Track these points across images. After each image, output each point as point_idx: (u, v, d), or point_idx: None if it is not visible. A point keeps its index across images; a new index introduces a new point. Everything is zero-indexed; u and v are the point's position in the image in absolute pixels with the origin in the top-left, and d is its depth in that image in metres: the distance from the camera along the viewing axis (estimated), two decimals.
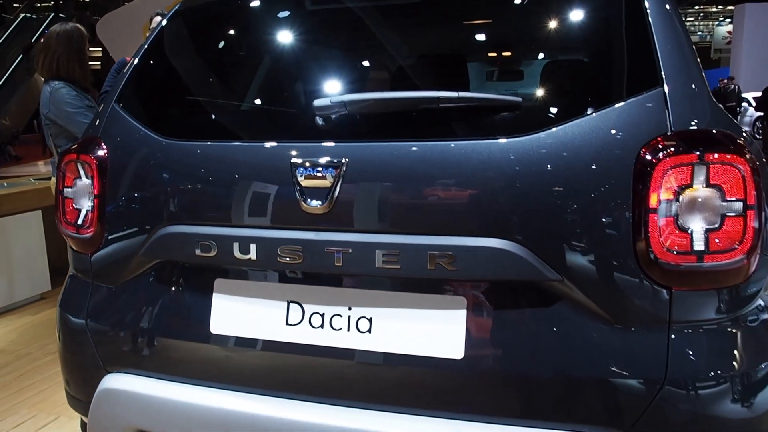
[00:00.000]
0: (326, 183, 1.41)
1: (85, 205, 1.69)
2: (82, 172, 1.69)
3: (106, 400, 1.66)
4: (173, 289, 1.64)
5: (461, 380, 1.40)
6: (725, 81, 18.66)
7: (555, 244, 1.32)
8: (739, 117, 18.09)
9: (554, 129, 1.34)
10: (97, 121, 1.77)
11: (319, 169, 1.41)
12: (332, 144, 1.44)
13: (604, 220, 1.30)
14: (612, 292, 1.32)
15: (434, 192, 1.38)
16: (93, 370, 1.71)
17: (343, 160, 1.40)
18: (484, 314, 1.39)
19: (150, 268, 1.66)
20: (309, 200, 1.42)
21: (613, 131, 1.32)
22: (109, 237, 1.68)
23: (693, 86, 1.38)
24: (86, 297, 1.75)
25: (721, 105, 1.47)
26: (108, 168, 1.67)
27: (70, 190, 1.72)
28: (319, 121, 1.47)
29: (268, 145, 1.51)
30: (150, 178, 1.62)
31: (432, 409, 1.41)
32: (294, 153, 1.45)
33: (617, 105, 1.34)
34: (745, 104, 18.19)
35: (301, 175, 1.42)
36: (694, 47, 1.49)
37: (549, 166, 1.32)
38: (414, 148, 1.39)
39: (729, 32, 27.32)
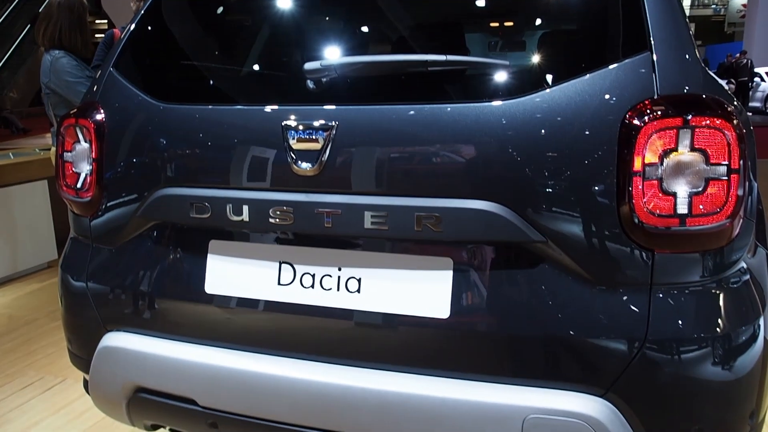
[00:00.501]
0: (316, 146, 1.43)
1: (84, 168, 1.73)
2: (80, 136, 1.72)
3: (106, 358, 1.71)
4: (170, 250, 1.68)
5: (447, 339, 1.43)
6: (736, 56, 18.42)
7: (540, 206, 1.34)
8: (751, 92, 17.88)
9: (541, 93, 1.36)
10: (95, 86, 1.80)
11: (310, 132, 1.44)
12: (322, 107, 1.46)
13: (588, 182, 1.32)
14: (595, 253, 1.34)
15: (421, 154, 1.41)
16: (93, 328, 1.76)
17: (333, 123, 1.43)
18: (470, 275, 1.42)
19: (147, 230, 1.70)
20: (300, 163, 1.45)
21: (600, 95, 1.33)
22: (108, 199, 1.71)
23: (681, 53, 1.39)
24: (86, 258, 1.79)
25: (729, 78, 1.48)
26: (106, 132, 1.70)
27: (69, 154, 1.75)
28: (311, 84, 1.49)
29: (260, 108, 1.54)
30: (146, 142, 1.66)
31: (419, 367, 1.45)
32: (285, 116, 1.48)
33: (604, 69, 1.35)
34: (757, 79, 17.97)
35: (292, 138, 1.45)
36: (686, 15, 1.50)
37: (535, 129, 1.34)
38: (402, 112, 1.42)
39: (744, 5, 26.87)
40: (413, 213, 1.38)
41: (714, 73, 1.71)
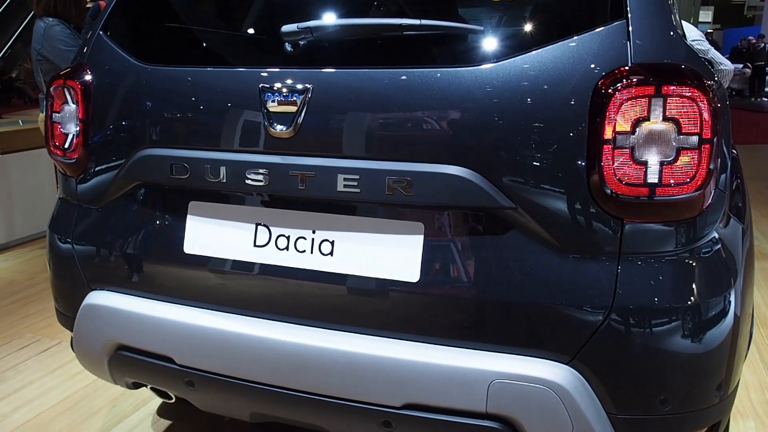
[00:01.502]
0: (292, 108, 1.44)
1: (72, 129, 1.75)
2: (68, 97, 1.74)
3: (89, 316, 1.74)
4: (152, 211, 1.71)
5: (416, 303, 1.45)
6: (750, 39, 18.13)
7: (510, 172, 1.35)
8: None
9: (514, 59, 1.36)
10: (84, 48, 1.81)
11: (285, 94, 1.45)
12: (298, 70, 1.47)
13: (559, 150, 1.33)
14: (564, 221, 1.35)
15: (394, 119, 1.41)
16: (78, 287, 1.79)
17: (308, 86, 1.43)
18: (440, 240, 1.44)
19: (130, 191, 1.72)
20: (275, 125, 1.46)
21: (573, 62, 1.33)
22: (93, 160, 1.74)
23: (659, 21, 1.38)
24: (72, 219, 1.82)
25: (745, 62, 1.46)
26: (92, 93, 1.72)
27: (58, 115, 1.78)
28: (288, 47, 1.50)
29: (239, 70, 1.55)
30: (129, 103, 1.68)
31: (389, 330, 1.47)
32: (262, 78, 1.48)
33: (578, 36, 1.35)
34: None
35: (268, 100, 1.46)
36: None
37: (506, 95, 1.34)
38: (376, 76, 1.42)
39: None
40: (385, 177, 1.40)
41: (727, 57, 1.68)
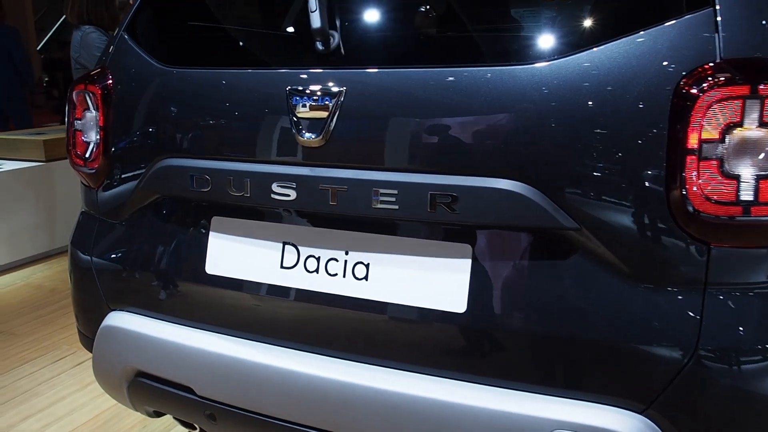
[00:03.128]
0: (322, 114, 1.28)
1: (92, 137, 1.64)
2: (89, 103, 1.63)
3: (108, 338, 1.62)
4: (172, 226, 1.58)
5: (462, 337, 1.27)
6: None
7: (573, 187, 1.16)
8: None
9: (579, 54, 1.16)
10: (107, 51, 1.70)
11: (315, 98, 1.29)
12: (329, 70, 1.31)
13: (633, 161, 1.13)
14: (638, 245, 1.15)
15: (438, 126, 1.24)
16: (97, 306, 1.67)
17: (341, 89, 1.27)
18: (491, 265, 1.25)
19: (150, 204, 1.59)
20: (304, 132, 1.30)
21: (647, 58, 1.13)
22: (113, 170, 1.62)
23: (750, 10, 1.16)
24: (92, 233, 1.71)
25: None
26: (113, 98, 1.60)
27: (79, 122, 1.67)
28: (319, 45, 1.34)
29: (264, 71, 1.40)
30: (150, 108, 1.55)
31: (430, 366, 1.29)
32: (291, 80, 1.33)
33: (656, 28, 1.14)
34: None
35: (297, 105, 1.30)
36: None
37: (571, 97, 1.15)
38: (418, 76, 1.25)
39: None
40: (427, 192, 1.22)
41: None
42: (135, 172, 1.58)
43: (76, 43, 3.42)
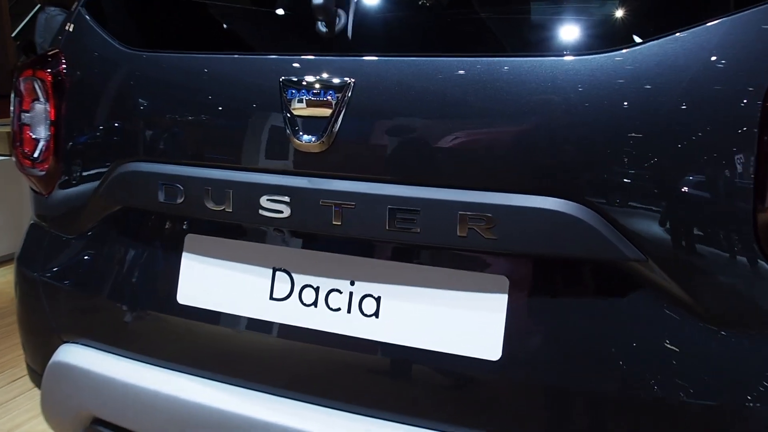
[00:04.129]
0: (325, 111, 1.04)
1: (42, 133, 1.37)
2: (39, 92, 1.36)
3: (59, 376, 1.36)
4: (137, 244, 1.32)
5: (496, 390, 1.03)
6: None
7: (639, 209, 0.93)
8: None
9: (645, 45, 0.93)
10: (64, 28, 1.43)
11: (316, 92, 1.04)
12: (335, 58, 1.06)
13: (711, 177, 0.90)
14: (717, 281, 0.92)
15: (471, 128, 0.99)
16: (47, 337, 1.41)
17: (349, 81, 1.02)
18: (533, 302, 1.01)
19: (112, 216, 1.33)
20: (302, 134, 1.05)
21: (733, 53, 0.90)
22: (66, 174, 1.36)
23: None
24: (42, 249, 1.44)
25: None
26: (67, 87, 1.34)
27: (27, 115, 1.40)
28: (321, 27, 1.08)
29: (253, 57, 1.15)
30: (111, 100, 1.29)
31: (455, 424, 1.04)
32: (284, 69, 1.08)
33: (740, 14, 0.91)
34: None
35: (292, 100, 1.05)
36: None
37: (634, 98, 0.92)
38: (445, 67, 1.00)
39: None
40: (456, 211, 0.98)
41: None
42: (93, 178, 1.32)
43: (41, 26, 3.15)
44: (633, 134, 0.92)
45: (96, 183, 1.30)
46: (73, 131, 1.33)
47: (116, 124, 1.28)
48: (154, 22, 1.40)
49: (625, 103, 0.92)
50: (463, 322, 1.03)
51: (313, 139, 1.04)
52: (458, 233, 0.98)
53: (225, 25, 1.39)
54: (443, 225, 0.98)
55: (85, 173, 1.33)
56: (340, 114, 1.03)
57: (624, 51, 0.93)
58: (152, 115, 1.23)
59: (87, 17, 1.38)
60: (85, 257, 1.37)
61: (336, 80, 1.03)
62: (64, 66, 1.35)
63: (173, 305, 1.23)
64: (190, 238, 1.24)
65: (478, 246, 0.99)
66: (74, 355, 1.34)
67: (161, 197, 1.19)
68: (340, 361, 1.11)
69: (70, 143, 1.33)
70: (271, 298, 1.16)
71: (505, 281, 1.02)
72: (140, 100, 1.25)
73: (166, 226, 1.28)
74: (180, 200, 1.17)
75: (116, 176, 1.25)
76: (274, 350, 1.17)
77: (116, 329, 1.32)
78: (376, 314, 1.08)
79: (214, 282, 1.21)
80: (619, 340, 0.96)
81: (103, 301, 1.33)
